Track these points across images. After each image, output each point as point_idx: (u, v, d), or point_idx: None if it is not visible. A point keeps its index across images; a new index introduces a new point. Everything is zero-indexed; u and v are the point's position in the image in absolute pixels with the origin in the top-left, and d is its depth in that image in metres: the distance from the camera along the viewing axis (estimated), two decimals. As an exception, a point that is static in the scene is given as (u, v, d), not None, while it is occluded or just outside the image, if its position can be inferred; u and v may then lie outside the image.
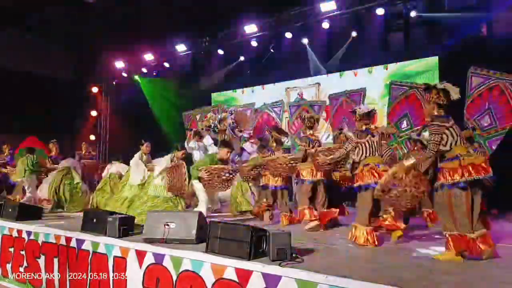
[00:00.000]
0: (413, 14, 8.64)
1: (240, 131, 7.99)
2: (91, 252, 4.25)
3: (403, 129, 7.89)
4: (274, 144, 6.25)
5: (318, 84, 10.40)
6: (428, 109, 3.66)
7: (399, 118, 7.97)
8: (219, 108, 9.98)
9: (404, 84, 8.07)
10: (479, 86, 6.92)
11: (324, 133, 9.94)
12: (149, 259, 3.71)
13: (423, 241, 4.40)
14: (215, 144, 7.42)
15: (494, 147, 6.65)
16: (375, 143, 4.36)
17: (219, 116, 8.22)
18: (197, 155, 7.59)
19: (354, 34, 9.57)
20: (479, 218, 3.41)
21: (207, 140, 7.61)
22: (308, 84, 10.63)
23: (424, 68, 8.82)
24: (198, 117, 10.88)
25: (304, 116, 5.87)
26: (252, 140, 7.92)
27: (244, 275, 3.02)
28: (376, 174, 4.12)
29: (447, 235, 3.44)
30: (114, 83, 14.11)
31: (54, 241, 4.68)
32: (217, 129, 7.99)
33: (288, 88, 11.04)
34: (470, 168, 3.33)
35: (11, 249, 5.20)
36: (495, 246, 3.42)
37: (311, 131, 5.70)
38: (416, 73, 8.90)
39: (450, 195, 3.40)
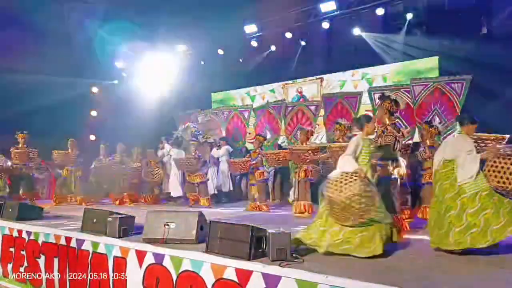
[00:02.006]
0: (411, 15, 8.67)
1: (207, 138, 8.74)
2: (91, 252, 4.24)
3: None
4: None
5: (321, 79, 10.34)
6: (380, 113, 4.51)
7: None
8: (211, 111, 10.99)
9: (383, 88, 8.32)
10: (421, 92, 7.76)
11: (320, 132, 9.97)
12: (149, 259, 3.71)
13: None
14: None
15: None
16: None
17: (184, 127, 9.73)
18: (166, 159, 9.13)
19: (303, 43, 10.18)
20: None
21: (167, 147, 9.10)
22: (309, 80, 10.61)
23: (424, 68, 8.83)
24: (200, 118, 11.13)
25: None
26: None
27: (244, 275, 3.02)
28: None
29: (394, 216, 4.17)
30: (114, 83, 14.12)
31: (54, 241, 4.68)
32: (181, 138, 9.41)
33: (286, 84, 10.99)
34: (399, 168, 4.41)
35: (12, 249, 5.21)
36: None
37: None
38: (417, 72, 8.91)
39: (390, 186, 4.34)
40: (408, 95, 7.97)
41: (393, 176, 4.40)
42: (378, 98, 4.56)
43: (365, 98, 8.71)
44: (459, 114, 7.39)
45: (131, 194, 8.72)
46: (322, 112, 9.36)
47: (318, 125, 9.77)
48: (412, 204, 6.12)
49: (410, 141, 6.88)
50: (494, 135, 4.47)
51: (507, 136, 4.43)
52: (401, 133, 4.45)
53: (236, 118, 10.61)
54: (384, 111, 4.42)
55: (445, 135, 6.69)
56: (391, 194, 4.37)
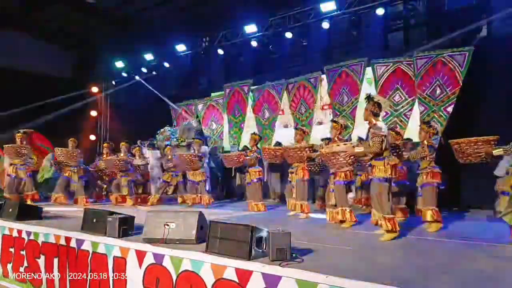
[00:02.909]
0: (411, 15, 8.68)
1: (181, 141, 9.49)
2: (91, 252, 4.24)
3: (398, 102, 8.36)
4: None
5: (321, 79, 10.35)
6: (366, 115, 4.60)
7: (391, 93, 8.24)
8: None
9: (386, 61, 8.54)
10: (424, 65, 7.87)
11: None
12: (149, 259, 3.71)
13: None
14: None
15: (450, 110, 7.58)
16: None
17: (161, 130, 10.30)
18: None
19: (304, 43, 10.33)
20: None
21: (144, 150, 9.50)
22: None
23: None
24: (200, 107, 11.70)
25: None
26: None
27: (244, 275, 3.02)
28: None
29: (386, 217, 4.28)
30: (114, 83, 14.12)
31: (54, 241, 4.68)
32: (155, 141, 10.06)
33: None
34: (391, 168, 4.35)
35: (12, 249, 5.20)
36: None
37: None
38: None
39: (380, 186, 4.36)
40: (410, 67, 8.16)
41: (384, 177, 4.37)
42: (364, 99, 4.68)
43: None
44: (461, 84, 7.51)
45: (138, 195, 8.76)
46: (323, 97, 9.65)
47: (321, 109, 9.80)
48: (406, 203, 6.12)
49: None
50: (485, 137, 4.51)
51: (497, 137, 4.54)
52: (384, 131, 4.42)
53: (237, 93, 11.05)
54: (369, 113, 4.56)
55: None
56: (383, 195, 4.36)
